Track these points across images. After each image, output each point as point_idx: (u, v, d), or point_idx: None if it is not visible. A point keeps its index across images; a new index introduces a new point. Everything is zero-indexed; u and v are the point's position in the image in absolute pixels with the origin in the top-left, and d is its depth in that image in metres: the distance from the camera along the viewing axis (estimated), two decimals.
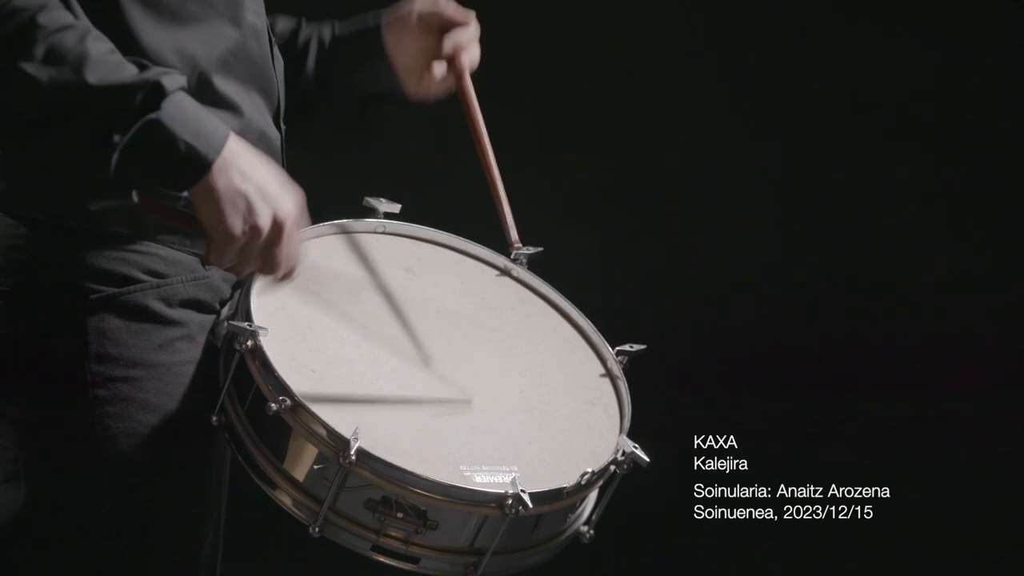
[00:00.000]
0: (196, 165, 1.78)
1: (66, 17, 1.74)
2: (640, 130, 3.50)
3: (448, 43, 2.15)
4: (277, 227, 1.82)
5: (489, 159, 2.11)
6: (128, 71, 1.74)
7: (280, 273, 1.86)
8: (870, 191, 3.63)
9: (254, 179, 1.80)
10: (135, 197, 1.83)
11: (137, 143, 1.75)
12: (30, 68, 1.72)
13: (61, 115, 1.73)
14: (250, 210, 1.80)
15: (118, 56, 1.76)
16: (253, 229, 1.80)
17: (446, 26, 2.16)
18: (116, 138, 1.74)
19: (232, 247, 1.81)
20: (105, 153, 1.74)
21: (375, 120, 2.26)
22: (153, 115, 1.74)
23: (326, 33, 2.23)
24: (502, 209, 2.10)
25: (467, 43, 2.17)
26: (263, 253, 1.83)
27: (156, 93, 1.74)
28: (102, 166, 1.76)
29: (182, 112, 1.76)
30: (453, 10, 2.16)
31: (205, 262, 1.85)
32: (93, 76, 1.72)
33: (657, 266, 3.48)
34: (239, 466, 1.93)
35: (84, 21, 1.77)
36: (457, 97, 2.17)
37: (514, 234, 2.12)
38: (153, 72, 1.75)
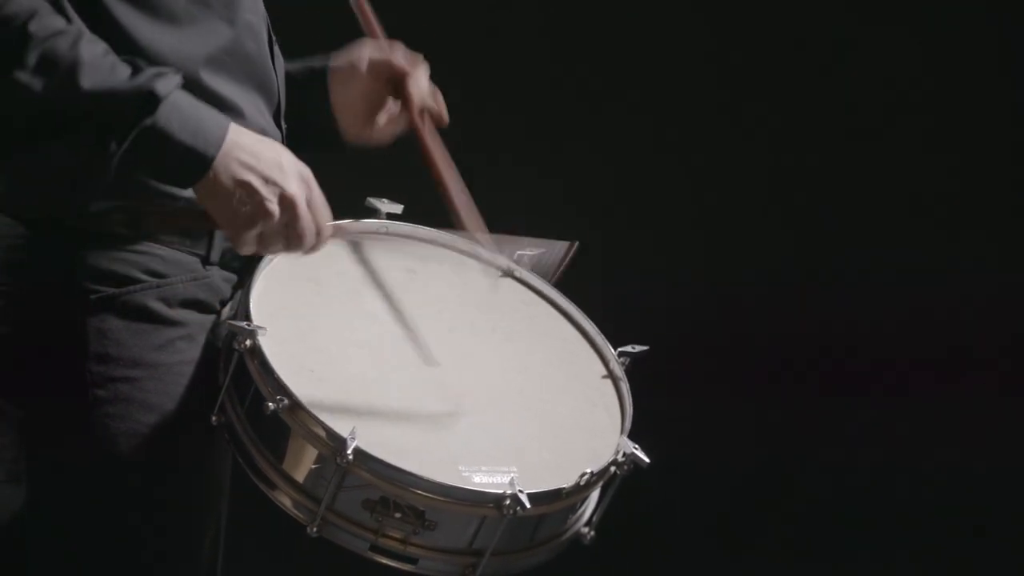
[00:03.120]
0: (197, 164, 1.79)
1: (57, 23, 1.74)
2: (644, 130, 3.49)
3: (412, 94, 2.12)
4: (289, 206, 1.83)
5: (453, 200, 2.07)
6: (122, 74, 1.75)
7: (306, 247, 1.87)
8: (871, 191, 3.63)
9: (256, 166, 1.81)
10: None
11: (135, 149, 1.76)
12: (23, 77, 1.72)
13: (57, 124, 1.75)
14: (257, 197, 1.81)
15: (112, 58, 1.76)
16: (265, 214, 1.81)
17: (396, 75, 2.13)
18: (113, 146, 1.75)
19: (249, 235, 1.83)
20: (104, 160, 1.75)
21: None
22: (149, 120, 1.75)
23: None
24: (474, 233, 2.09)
25: (425, 92, 2.14)
26: (283, 234, 1.84)
27: (151, 98, 1.74)
28: (102, 172, 1.77)
29: (179, 113, 1.76)
30: (402, 59, 2.14)
31: (233, 252, 1.88)
32: (87, 82, 1.73)
33: (660, 267, 3.48)
34: (239, 466, 1.93)
35: (76, 25, 1.77)
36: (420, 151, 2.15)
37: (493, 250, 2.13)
38: (147, 75, 1.76)
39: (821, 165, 3.63)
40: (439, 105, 2.15)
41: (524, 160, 3.20)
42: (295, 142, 2.22)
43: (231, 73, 1.94)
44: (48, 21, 1.74)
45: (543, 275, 2.19)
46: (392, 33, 2.17)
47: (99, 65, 1.74)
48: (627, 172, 3.50)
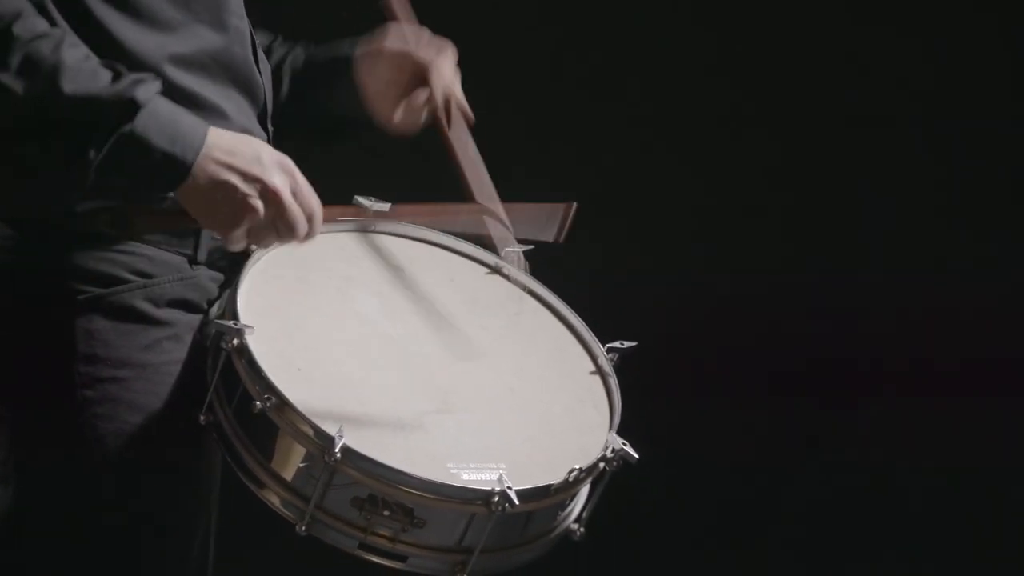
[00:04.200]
0: (175, 170, 1.79)
1: (41, 25, 1.75)
2: (633, 126, 3.49)
3: (435, 86, 2.13)
4: (274, 199, 1.82)
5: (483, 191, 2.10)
6: (103, 79, 1.75)
7: (299, 236, 1.86)
8: (869, 191, 3.62)
9: (234, 163, 1.81)
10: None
11: (114, 155, 1.76)
12: (5, 78, 1.72)
13: (37, 127, 1.75)
14: (240, 194, 1.81)
15: (93, 62, 1.76)
16: (250, 210, 1.81)
17: (417, 67, 2.14)
18: (92, 153, 1.75)
19: (237, 233, 1.83)
20: (82, 167, 1.76)
21: (343, 143, 2.27)
22: (128, 127, 1.75)
23: (299, 56, 2.23)
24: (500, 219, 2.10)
25: (448, 84, 2.14)
26: (273, 225, 1.84)
27: (131, 105, 1.75)
28: (79, 178, 1.77)
29: (157, 120, 1.76)
30: (425, 48, 2.15)
31: (226, 250, 1.87)
32: (68, 85, 1.73)
33: (648, 262, 3.48)
34: (228, 465, 1.93)
35: (59, 28, 1.77)
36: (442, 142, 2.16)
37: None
38: (127, 81, 1.76)
39: (816, 161, 3.63)
40: (462, 98, 2.15)
41: (516, 159, 3.20)
42: (326, 132, 2.23)
43: (213, 76, 1.94)
44: (32, 23, 1.74)
45: (548, 237, 2.17)
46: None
47: (80, 69, 1.74)
48: (614, 168, 3.50)
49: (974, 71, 3.61)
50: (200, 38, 1.92)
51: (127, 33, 1.85)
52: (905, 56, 3.57)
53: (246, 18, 2.02)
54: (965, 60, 3.58)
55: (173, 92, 1.86)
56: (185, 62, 1.90)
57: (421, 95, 2.16)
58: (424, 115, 2.18)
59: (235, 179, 1.80)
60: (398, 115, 2.17)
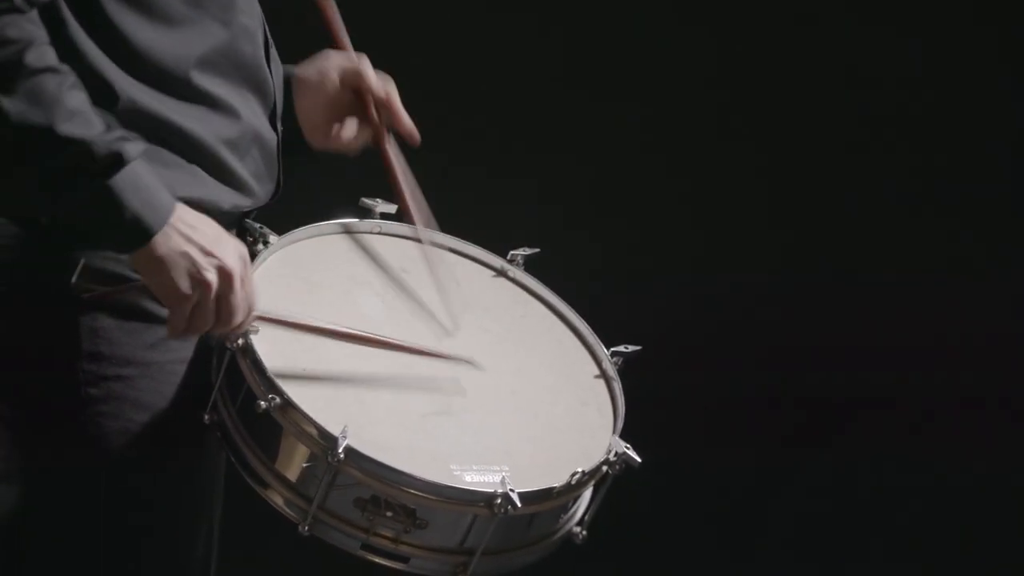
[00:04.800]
0: (139, 233, 1.80)
1: (51, 57, 1.75)
2: (634, 129, 3.49)
3: (376, 99, 2.14)
4: (226, 278, 1.83)
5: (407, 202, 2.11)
6: (96, 128, 1.76)
7: (236, 323, 1.87)
8: (867, 192, 3.63)
9: (195, 239, 1.82)
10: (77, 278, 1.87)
11: (86, 203, 1.78)
12: (4, 103, 1.73)
13: (22, 153, 1.76)
14: (196, 267, 1.82)
15: (90, 110, 1.77)
16: (202, 285, 1.82)
17: (363, 87, 2.14)
18: (67, 194, 1.77)
19: (184, 308, 1.83)
20: (52, 202, 1.78)
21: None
22: (107, 181, 1.76)
23: None
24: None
25: (388, 100, 2.15)
26: (217, 305, 1.84)
27: (116, 160, 1.76)
28: (47, 210, 1.81)
29: (135, 180, 1.78)
30: (374, 79, 2.14)
31: (169, 335, 1.87)
32: (63, 125, 1.74)
33: (653, 267, 3.48)
34: (231, 465, 1.93)
35: (66, 67, 1.77)
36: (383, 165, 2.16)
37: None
38: (116, 135, 1.77)
39: (817, 165, 3.63)
40: (404, 123, 2.15)
41: (521, 161, 3.20)
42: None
43: (225, 74, 1.95)
44: (42, 53, 1.74)
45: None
46: (365, 34, 2.18)
47: (79, 112, 1.75)
48: (620, 171, 3.50)
49: (973, 71, 3.62)
50: (210, 35, 1.92)
51: (137, 29, 1.85)
52: (905, 56, 3.57)
53: (260, 17, 2.03)
54: (965, 60, 3.59)
55: (193, 95, 1.88)
56: (205, 63, 1.91)
57: (358, 117, 2.17)
58: (364, 138, 2.18)
59: (195, 252, 1.82)
60: (334, 136, 2.17)
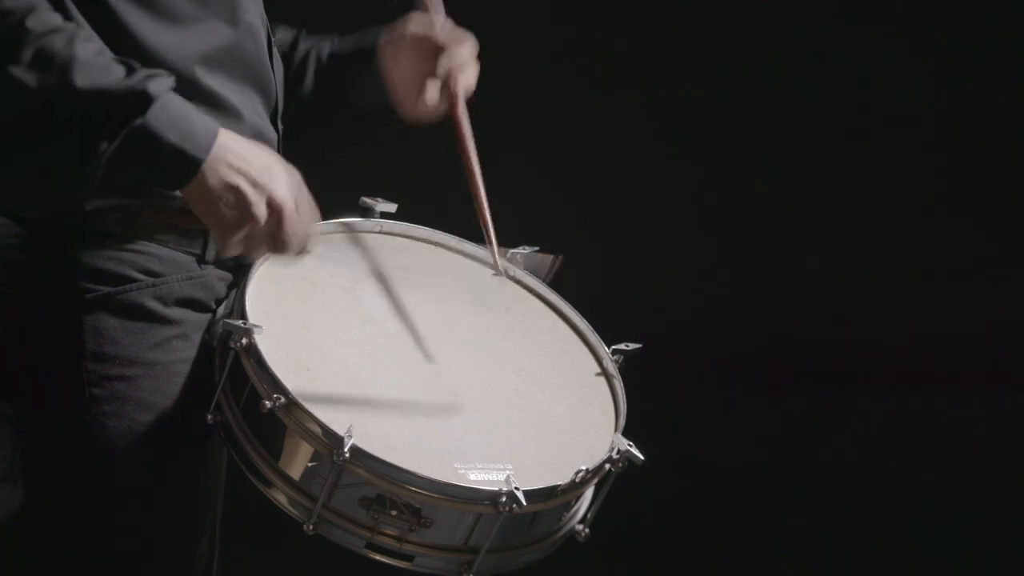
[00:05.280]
0: (186, 165, 1.79)
1: (55, 19, 1.75)
2: (638, 129, 3.49)
3: (441, 66, 2.13)
4: (275, 212, 1.83)
5: (479, 191, 2.08)
6: (116, 74, 1.75)
7: (292, 252, 1.87)
8: (869, 190, 3.63)
9: (245, 170, 1.81)
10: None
11: (125, 149, 1.76)
12: (18, 72, 1.72)
13: (49, 121, 1.75)
14: (245, 201, 1.81)
15: (106, 57, 1.76)
16: (251, 218, 1.82)
17: (438, 49, 2.13)
18: (104, 145, 1.75)
19: (234, 238, 1.83)
20: (93, 160, 1.76)
21: (369, 137, 2.27)
22: (139, 120, 1.75)
23: (324, 49, 2.23)
24: (489, 238, 2.10)
25: (460, 66, 2.14)
26: (269, 238, 1.84)
27: (143, 99, 1.75)
28: (91, 172, 1.77)
29: (169, 115, 1.77)
30: (446, 34, 2.14)
31: (218, 255, 1.88)
32: (81, 80, 1.73)
33: (654, 264, 3.48)
34: (235, 464, 1.93)
35: (72, 23, 1.77)
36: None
37: (500, 263, 2.14)
38: (140, 76, 1.76)
39: (819, 163, 3.63)
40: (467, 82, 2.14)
41: (521, 159, 3.20)
42: (343, 127, 2.23)
43: (229, 73, 1.94)
44: (45, 17, 1.74)
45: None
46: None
47: (93, 63, 1.74)
48: (620, 169, 3.50)
49: (974, 71, 3.62)
50: (215, 34, 1.92)
51: (142, 26, 1.85)
52: (905, 56, 3.57)
53: (264, 16, 2.03)
54: (965, 60, 3.59)
55: (196, 93, 1.88)
56: (209, 61, 1.91)
57: (439, 81, 2.15)
58: (443, 102, 2.16)
59: (245, 185, 1.81)
60: (421, 103, 2.16)
